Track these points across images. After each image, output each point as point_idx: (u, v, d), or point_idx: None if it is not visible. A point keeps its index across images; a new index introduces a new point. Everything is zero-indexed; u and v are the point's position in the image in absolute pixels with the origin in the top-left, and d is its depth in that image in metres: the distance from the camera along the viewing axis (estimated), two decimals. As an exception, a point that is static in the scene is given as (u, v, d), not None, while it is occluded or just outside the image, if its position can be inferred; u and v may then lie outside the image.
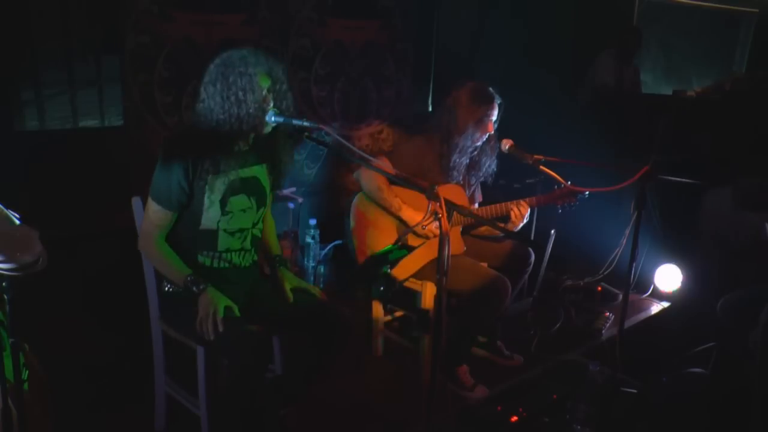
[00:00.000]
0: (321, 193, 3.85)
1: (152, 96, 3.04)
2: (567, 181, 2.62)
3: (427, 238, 2.70)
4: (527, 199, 2.81)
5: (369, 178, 2.73)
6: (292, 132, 2.02)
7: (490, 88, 2.73)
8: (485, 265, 2.80)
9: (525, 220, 2.79)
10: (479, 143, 2.78)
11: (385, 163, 2.66)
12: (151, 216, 2.03)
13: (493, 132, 2.76)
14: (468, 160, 2.81)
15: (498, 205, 2.81)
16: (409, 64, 4.14)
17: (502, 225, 2.70)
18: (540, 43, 4.61)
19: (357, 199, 2.82)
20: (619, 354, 2.46)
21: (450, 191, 2.75)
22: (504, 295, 2.65)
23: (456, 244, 2.78)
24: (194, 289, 1.96)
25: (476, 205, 2.98)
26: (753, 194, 2.66)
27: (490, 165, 2.87)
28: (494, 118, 2.73)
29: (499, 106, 2.73)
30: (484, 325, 2.87)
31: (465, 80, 2.78)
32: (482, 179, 2.93)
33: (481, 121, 2.70)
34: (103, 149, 2.97)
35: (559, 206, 2.83)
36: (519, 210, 2.76)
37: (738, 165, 2.94)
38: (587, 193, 2.75)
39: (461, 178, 2.83)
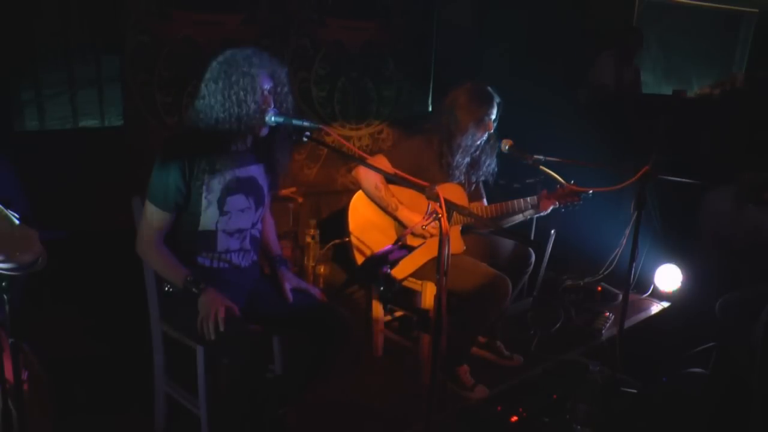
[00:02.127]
0: (321, 193, 3.85)
1: (152, 96, 3.04)
2: (570, 181, 2.62)
3: (424, 238, 2.70)
4: (542, 201, 2.79)
5: (366, 177, 2.73)
6: (292, 132, 2.02)
7: (489, 88, 2.74)
8: (485, 264, 2.80)
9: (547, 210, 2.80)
10: (480, 142, 2.78)
11: (382, 162, 2.67)
12: (149, 218, 2.02)
13: (492, 131, 2.76)
14: (469, 159, 2.82)
15: (511, 201, 2.80)
16: (409, 64, 4.14)
17: (502, 223, 2.72)
18: (540, 43, 4.61)
19: (356, 199, 2.82)
20: (619, 354, 2.46)
21: (449, 190, 2.75)
22: (504, 294, 2.65)
23: (456, 243, 2.78)
24: (194, 289, 1.96)
25: (484, 202, 2.97)
26: (757, 188, 2.66)
27: (490, 164, 2.87)
28: (494, 117, 2.73)
29: (498, 105, 2.73)
30: (485, 324, 2.87)
31: (464, 81, 2.79)
32: (482, 178, 2.93)
33: (481, 121, 2.70)
34: (103, 149, 2.97)
35: (561, 206, 2.82)
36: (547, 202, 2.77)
37: (738, 164, 2.93)
38: (591, 192, 2.74)
39: (462, 177, 2.84)
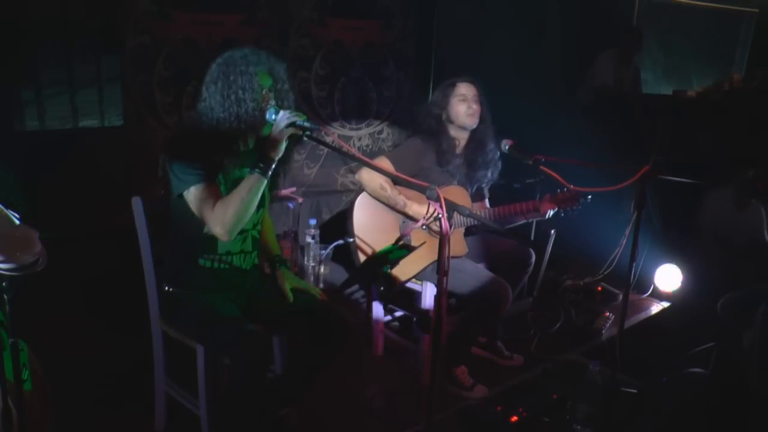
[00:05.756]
0: (321, 193, 3.85)
1: (152, 96, 3.04)
2: (570, 185, 2.60)
3: (430, 230, 2.70)
4: (543, 205, 2.78)
5: (370, 179, 2.72)
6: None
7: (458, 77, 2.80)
8: (485, 267, 2.80)
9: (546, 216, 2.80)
10: (464, 135, 2.79)
11: (384, 163, 2.66)
12: (202, 197, 1.95)
13: (474, 107, 2.75)
14: (461, 160, 2.80)
15: (513, 205, 2.79)
16: (409, 64, 4.14)
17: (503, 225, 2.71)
18: (540, 43, 4.61)
19: (359, 199, 2.82)
20: (619, 354, 2.46)
21: (453, 193, 2.74)
22: (504, 300, 2.65)
23: (458, 247, 2.77)
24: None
25: (487, 203, 2.96)
26: (755, 184, 2.66)
27: (488, 165, 2.85)
28: (463, 95, 2.75)
29: (472, 82, 2.77)
30: (483, 329, 2.87)
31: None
32: (482, 183, 2.91)
33: (452, 108, 2.74)
34: (103, 149, 2.97)
35: (562, 210, 2.79)
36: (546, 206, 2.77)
37: (738, 164, 2.93)
38: (590, 197, 2.73)
39: (464, 179, 2.82)
